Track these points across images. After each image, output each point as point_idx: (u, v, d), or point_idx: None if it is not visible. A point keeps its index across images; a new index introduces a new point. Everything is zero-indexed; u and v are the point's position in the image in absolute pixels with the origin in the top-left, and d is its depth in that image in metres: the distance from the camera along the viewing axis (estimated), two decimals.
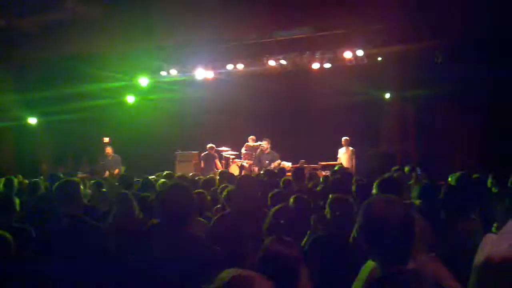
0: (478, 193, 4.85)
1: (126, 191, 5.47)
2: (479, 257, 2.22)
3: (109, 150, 13.55)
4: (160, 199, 2.87)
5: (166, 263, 2.69)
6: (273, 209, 3.53)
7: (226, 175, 8.39)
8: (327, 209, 4.00)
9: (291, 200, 4.66)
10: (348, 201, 4.05)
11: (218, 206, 5.75)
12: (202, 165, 13.87)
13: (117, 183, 7.73)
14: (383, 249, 2.06)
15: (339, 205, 3.96)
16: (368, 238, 2.10)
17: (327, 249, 3.73)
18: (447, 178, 7.56)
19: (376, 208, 2.10)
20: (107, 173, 12.87)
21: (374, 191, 4.55)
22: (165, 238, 2.79)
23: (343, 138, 13.23)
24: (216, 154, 13.85)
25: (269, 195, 4.97)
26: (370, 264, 2.51)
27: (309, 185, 7.40)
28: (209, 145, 13.76)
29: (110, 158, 13.48)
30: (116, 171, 13.07)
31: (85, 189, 7.96)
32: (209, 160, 13.74)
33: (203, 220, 4.51)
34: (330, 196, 4.19)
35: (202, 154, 13.94)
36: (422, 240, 2.74)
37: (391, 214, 2.05)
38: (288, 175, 8.69)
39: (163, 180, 7.43)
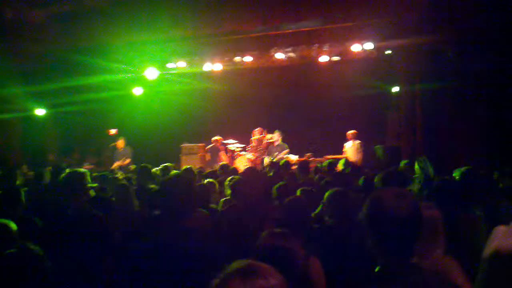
0: (483, 188, 4.81)
1: (125, 183, 5.48)
2: (488, 250, 2.19)
3: (121, 142, 13.56)
4: (160, 190, 2.87)
5: (165, 255, 2.70)
6: (286, 201, 3.53)
7: (227, 168, 8.38)
8: (325, 202, 4.01)
9: (298, 193, 4.66)
10: (346, 194, 4.05)
11: (224, 198, 5.76)
12: (208, 157, 13.89)
13: (135, 176, 7.75)
14: (387, 242, 2.05)
15: (337, 199, 3.96)
16: (374, 229, 2.09)
17: (324, 241, 3.73)
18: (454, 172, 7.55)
19: (384, 200, 2.07)
20: (115, 163, 12.92)
21: (378, 183, 4.53)
22: (163, 230, 2.79)
23: (349, 132, 13.15)
24: (222, 147, 13.86)
25: (274, 187, 4.97)
26: None
27: (315, 178, 7.40)
28: (214, 138, 13.77)
29: (120, 150, 13.49)
30: (127, 161, 13.15)
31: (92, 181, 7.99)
32: (215, 152, 13.76)
33: (206, 211, 4.51)
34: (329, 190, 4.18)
35: (208, 147, 13.97)
36: (438, 236, 2.74)
37: (399, 206, 2.03)
38: (294, 168, 8.67)
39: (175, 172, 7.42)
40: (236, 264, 1.46)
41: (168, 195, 2.79)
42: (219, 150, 13.78)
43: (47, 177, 7.02)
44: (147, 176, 6.69)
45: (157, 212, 3.07)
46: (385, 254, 2.07)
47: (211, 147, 13.84)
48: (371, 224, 2.10)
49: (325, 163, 8.49)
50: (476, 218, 3.77)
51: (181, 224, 2.77)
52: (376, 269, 2.12)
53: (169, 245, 2.71)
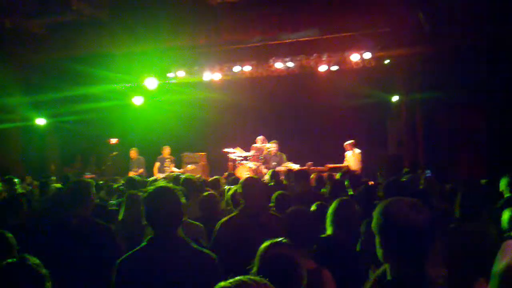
0: (488, 197, 4.79)
1: (134, 192, 5.51)
2: (499, 264, 2.15)
3: (133, 152, 13.91)
4: (144, 202, 2.86)
5: (154, 267, 2.72)
6: (290, 212, 3.51)
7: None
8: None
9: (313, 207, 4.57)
10: (348, 203, 4.06)
11: (226, 208, 5.78)
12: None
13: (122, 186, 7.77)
14: (402, 252, 2.03)
15: (339, 208, 3.97)
16: (387, 239, 2.06)
17: (329, 250, 3.74)
18: (456, 180, 7.56)
19: (399, 210, 2.05)
20: (130, 173, 13.04)
21: (380, 193, 4.55)
22: (152, 242, 2.80)
23: (347, 143, 13.10)
24: (162, 158, 13.80)
25: (273, 196, 4.99)
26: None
27: (313, 184, 7.43)
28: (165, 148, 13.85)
29: (133, 159, 13.83)
30: (141, 170, 13.42)
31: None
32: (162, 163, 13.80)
33: (198, 223, 4.52)
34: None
35: (158, 157, 13.94)
36: None
37: (415, 217, 2.01)
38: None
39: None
40: (231, 281, 1.46)
41: (154, 206, 2.80)
42: (160, 161, 13.78)
43: (53, 187, 7.01)
44: (132, 187, 6.67)
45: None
46: (399, 264, 2.05)
47: (159, 158, 13.85)
48: (385, 235, 2.07)
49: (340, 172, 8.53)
50: (482, 226, 3.78)
51: (168, 235, 2.79)
52: (388, 279, 2.10)
53: (158, 257, 2.75)
